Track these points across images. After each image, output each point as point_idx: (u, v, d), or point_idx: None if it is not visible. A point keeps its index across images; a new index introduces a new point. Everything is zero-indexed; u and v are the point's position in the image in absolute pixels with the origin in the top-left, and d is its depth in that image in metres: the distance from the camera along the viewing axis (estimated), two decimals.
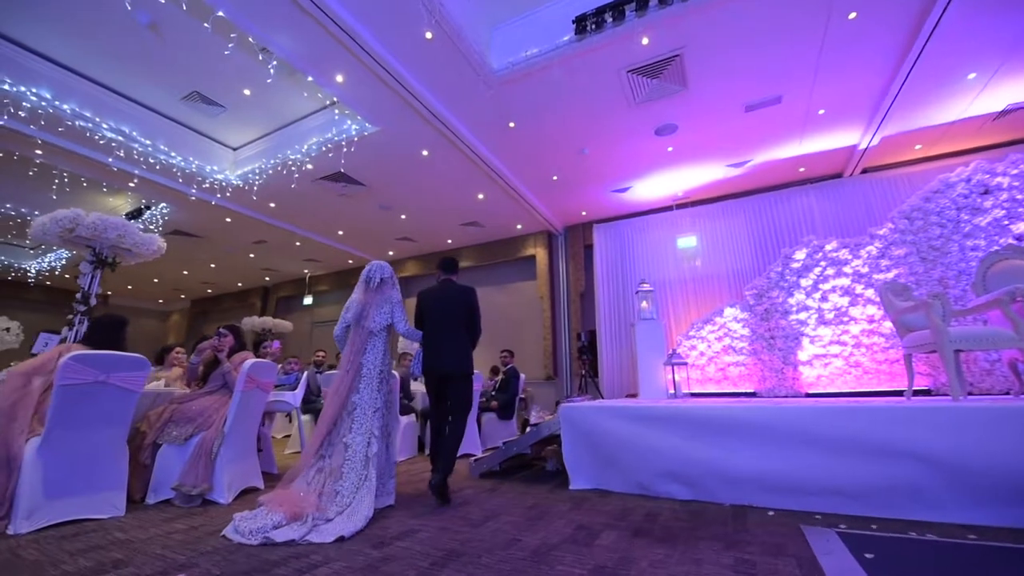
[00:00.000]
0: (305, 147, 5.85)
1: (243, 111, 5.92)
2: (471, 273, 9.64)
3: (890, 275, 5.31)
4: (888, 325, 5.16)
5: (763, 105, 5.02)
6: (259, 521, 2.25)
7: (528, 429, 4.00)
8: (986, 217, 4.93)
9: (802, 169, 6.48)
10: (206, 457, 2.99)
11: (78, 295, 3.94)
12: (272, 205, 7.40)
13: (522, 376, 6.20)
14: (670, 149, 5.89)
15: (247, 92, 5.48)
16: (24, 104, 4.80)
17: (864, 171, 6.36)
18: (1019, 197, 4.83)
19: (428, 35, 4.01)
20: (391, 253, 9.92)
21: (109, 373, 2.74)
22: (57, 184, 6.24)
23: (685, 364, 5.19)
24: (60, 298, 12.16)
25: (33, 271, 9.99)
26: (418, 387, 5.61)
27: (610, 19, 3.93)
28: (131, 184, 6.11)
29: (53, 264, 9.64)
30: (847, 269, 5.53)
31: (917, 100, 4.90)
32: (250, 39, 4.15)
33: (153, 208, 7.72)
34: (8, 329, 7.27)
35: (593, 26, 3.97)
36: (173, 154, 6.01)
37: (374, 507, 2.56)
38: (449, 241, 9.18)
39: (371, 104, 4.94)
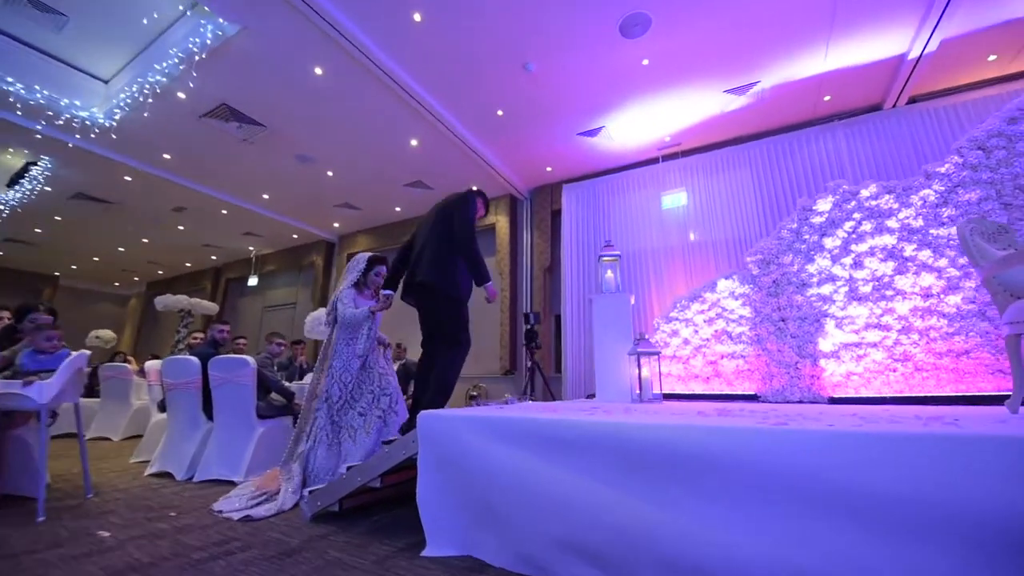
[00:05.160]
0: (165, 65, 4.50)
1: (92, 21, 4.59)
2: None
3: (955, 230, 3.67)
4: (954, 301, 3.54)
5: None
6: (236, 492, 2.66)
7: (382, 447, 2.58)
8: None
9: (827, 98, 4.84)
10: None
11: None
12: (167, 156, 6.10)
13: None
14: (646, 62, 4.34)
15: None
16: None
17: (912, 100, 4.72)
18: None
19: None
20: (336, 225, 8.55)
21: None
22: None
23: (656, 354, 3.68)
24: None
25: None
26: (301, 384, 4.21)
27: None
28: None
29: None
30: (892, 223, 3.89)
31: None
32: None
33: (39, 164, 6.51)
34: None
35: None
36: (10, 79, 4.73)
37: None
38: (397, 209, 7.75)
39: None
